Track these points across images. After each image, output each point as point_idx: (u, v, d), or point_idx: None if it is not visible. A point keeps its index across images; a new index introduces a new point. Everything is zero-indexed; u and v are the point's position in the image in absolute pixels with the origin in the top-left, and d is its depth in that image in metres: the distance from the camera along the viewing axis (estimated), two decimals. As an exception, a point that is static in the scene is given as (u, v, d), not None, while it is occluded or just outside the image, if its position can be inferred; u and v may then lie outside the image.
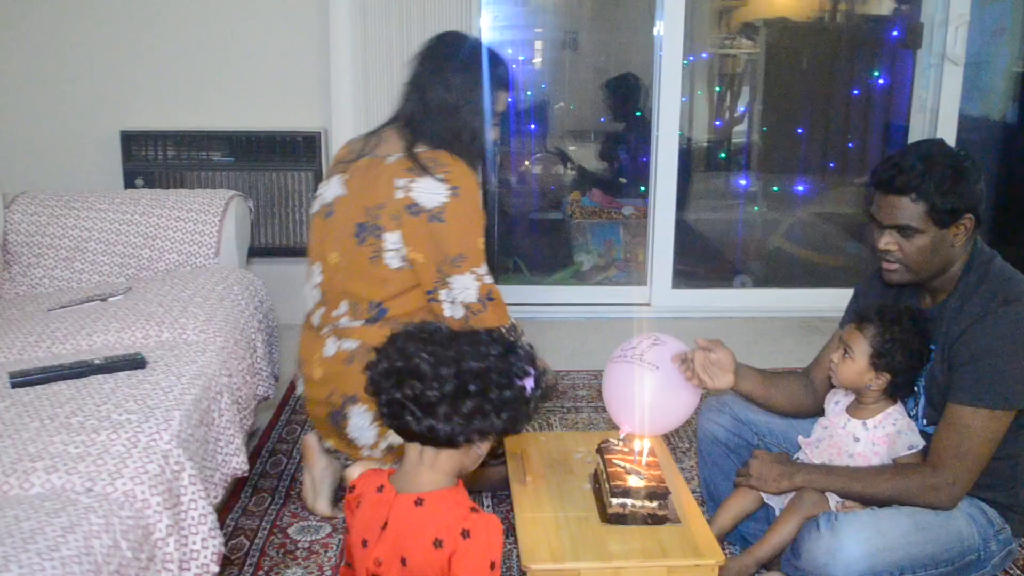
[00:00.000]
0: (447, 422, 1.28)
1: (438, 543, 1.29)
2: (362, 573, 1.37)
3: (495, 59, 2.04)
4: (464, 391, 1.27)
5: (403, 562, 1.31)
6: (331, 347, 2.00)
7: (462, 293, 1.95)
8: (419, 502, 1.32)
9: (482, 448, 1.38)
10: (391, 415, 1.32)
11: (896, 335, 1.73)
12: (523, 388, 1.33)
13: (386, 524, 1.34)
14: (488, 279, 1.98)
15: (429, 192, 1.92)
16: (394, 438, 1.97)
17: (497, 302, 2.00)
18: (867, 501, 1.73)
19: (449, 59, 2.01)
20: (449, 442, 1.31)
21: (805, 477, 1.77)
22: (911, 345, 1.73)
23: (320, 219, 2.06)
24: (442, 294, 1.95)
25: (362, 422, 1.99)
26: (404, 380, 1.28)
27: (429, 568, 1.30)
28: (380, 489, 1.37)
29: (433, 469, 1.35)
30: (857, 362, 1.76)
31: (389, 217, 1.93)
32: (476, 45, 2.06)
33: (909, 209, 1.66)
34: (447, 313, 1.96)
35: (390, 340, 1.35)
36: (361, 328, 1.98)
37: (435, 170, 1.93)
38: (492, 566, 1.30)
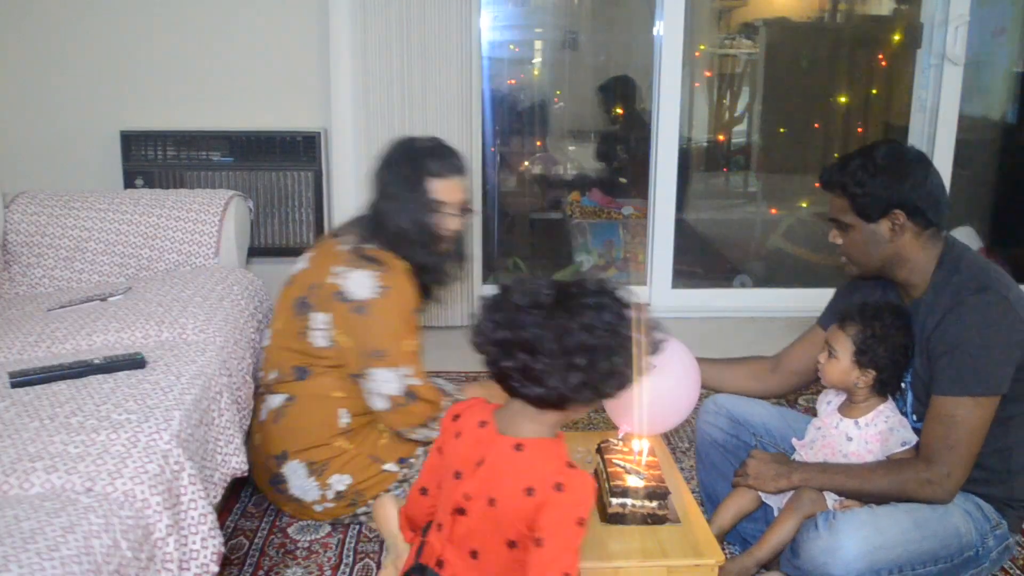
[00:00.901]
0: (554, 391, 1.25)
1: (530, 491, 1.27)
2: (448, 503, 1.36)
3: (441, 152, 2.07)
4: (571, 364, 1.23)
5: (491, 502, 1.30)
6: (263, 410, 2.09)
7: (383, 385, 1.97)
8: (519, 447, 1.30)
9: (590, 406, 1.34)
10: (497, 378, 1.30)
11: (877, 331, 1.75)
12: (631, 354, 1.28)
13: (482, 461, 1.32)
14: (415, 381, 1.99)
15: (358, 284, 1.98)
16: (341, 484, 2.02)
17: (423, 403, 2.00)
18: (864, 498, 1.73)
19: (388, 164, 2.07)
20: (557, 406, 1.29)
21: (802, 476, 1.78)
22: (893, 340, 1.74)
23: (283, 288, 2.15)
24: (361, 383, 2.01)
25: (299, 480, 2.05)
26: (511, 351, 1.25)
27: (516, 514, 1.28)
28: (482, 424, 1.35)
29: (536, 421, 1.32)
30: (841, 361, 1.77)
31: (320, 298, 2.01)
32: (413, 146, 2.08)
33: (837, 203, 1.76)
34: (370, 403, 2.02)
35: (499, 299, 1.30)
36: (288, 383, 2.07)
37: (371, 266, 1.99)
38: (580, 522, 1.27)
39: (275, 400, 2.06)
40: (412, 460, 2.08)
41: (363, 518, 2.11)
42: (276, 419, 2.04)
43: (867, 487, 1.71)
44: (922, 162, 1.73)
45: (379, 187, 2.08)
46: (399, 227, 2.03)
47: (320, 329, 2.01)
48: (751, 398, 2.06)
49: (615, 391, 1.29)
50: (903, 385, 1.80)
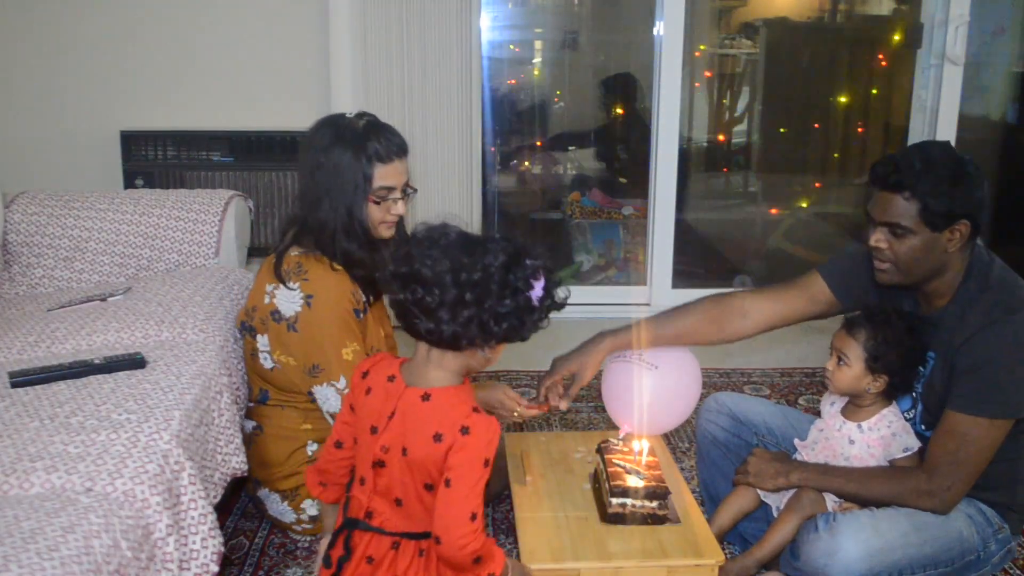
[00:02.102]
0: (447, 326, 1.33)
1: (438, 437, 1.35)
2: (368, 457, 1.43)
3: (380, 131, 1.89)
4: (461, 299, 1.32)
5: (404, 451, 1.38)
6: (244, 430, 2.05)
7: (325, 403, 1.89)
8: (426, 397, 1.38)
9: (489, 353, 1.41)
10: (398, 314, 1.38)
11: (889, 336, 1.73)
12: (526, 298, 1.36)
13: (393, 414, 1.40)
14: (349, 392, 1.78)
15: (286, 300, 1.88)
16: (314, 509, 2.00)
17: None
18: (862, 502, 1.73)
19: (319, 150, 1.87)
20: (451, 345, 1.36)
21: (801, 476, 1.77)
22: (904, 344, 1.73)
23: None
24: (312, 401, 1.94)
25: (275, 504, 2.04)
26: (408, 284, 1.34)
27: (428, 460, 1.36)
28: (391, 379, 1.43)
29: (440, 367, 1.40)
30: (853, 368, 1.75)
31: (259, 320, 1.94)
32: (348, 128, 1.88)
33: (902, 207, 1.63)
34: (328, 420, 1.93)
35: (405, 242, 1.41)
36: (255, 408, 2.04)
37: (291, 278, 1.88)
38: (485, 463, 1.35)
39: (248, 425, 2.05)
40: None
41: None
42: (248, 444, 2.01)
43: (866, 492, 1.71)
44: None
45: (309, 178, 1.88)
46: (336, 222, 1.86)
47: (264, 351, 1.94)
48: (752, 397, 2.06)
49: (502, 333, 1.35)
50: (913, 395, 1.79)
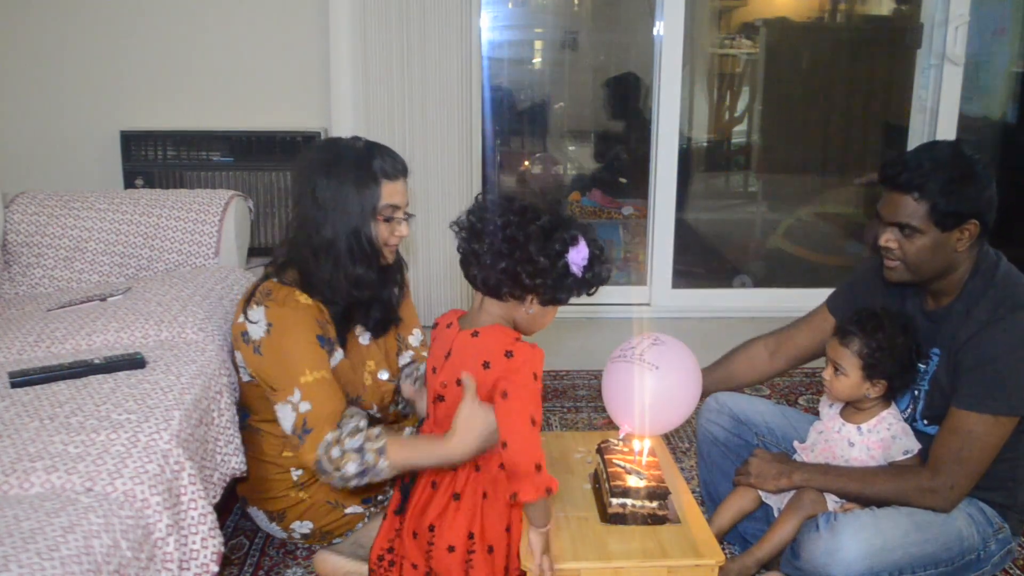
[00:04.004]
0: (488, 272, 1.53)
1: (486, 364, 1.53)
2: (431, 396, 1.64)
3: (382, 150, 1.88)
4: (500, 250, 1.51)
5: (458, 383, 1.57)
6: None
7: (283, 421, 1.81)
8: (475, 334, 1.57)
9: (534, 310, 1.58)
10: (461, 261, 1.58)
11: (882, 341, 1.72)
12: (563, 262, 1.52)
13: (449, 353, 1.59)
14: (305, 406, 1.76)
15: (255, 323, 1.84)
16: (304, 528, 1.99)
17: (313, 436, 1.74)
18: (865, 501, 1.72)
19: (322, 168, 1.84)
20: (494, 292, 1.55)
21: (803, 476, 1.77)
22: (898, 346, 1.73)
23: None
24: (261, 430, 1.96)
25: (264, 522, 2.04)
26: (469, 235, 1.55)
27: (480, 387, 1.55)
28: (449, 326, 1.64)
29: (488, 313, 1.59)
30: (851, 377, 1.75)
31: (235, 338, 1.91)
32: (352, 147, 1.87)
33: (911, 207, 1.65)
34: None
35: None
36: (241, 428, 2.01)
37: (263, 301, 1.83)
38: (535, 376, 1.53)
39: None
40: (381, 497, 2.01)
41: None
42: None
43: (868, 491, 1.71)
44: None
45: (310, 201, 1.84)
46: (341, 244, 1.83)
47: (242, 366, 1.94)
48: (752, 397, 2.06)
49: (534, 287, 1.53)
50: (916, 393, 1.79)
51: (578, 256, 1.55)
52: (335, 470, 1.70)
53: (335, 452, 1.70)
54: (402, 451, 1.67)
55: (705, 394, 2.04)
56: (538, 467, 1.50)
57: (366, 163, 1.84)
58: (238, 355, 1.93)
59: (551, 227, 1.53)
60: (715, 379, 2.07)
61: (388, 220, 1.88)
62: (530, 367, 1.53)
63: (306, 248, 1.85)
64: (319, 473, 1.74)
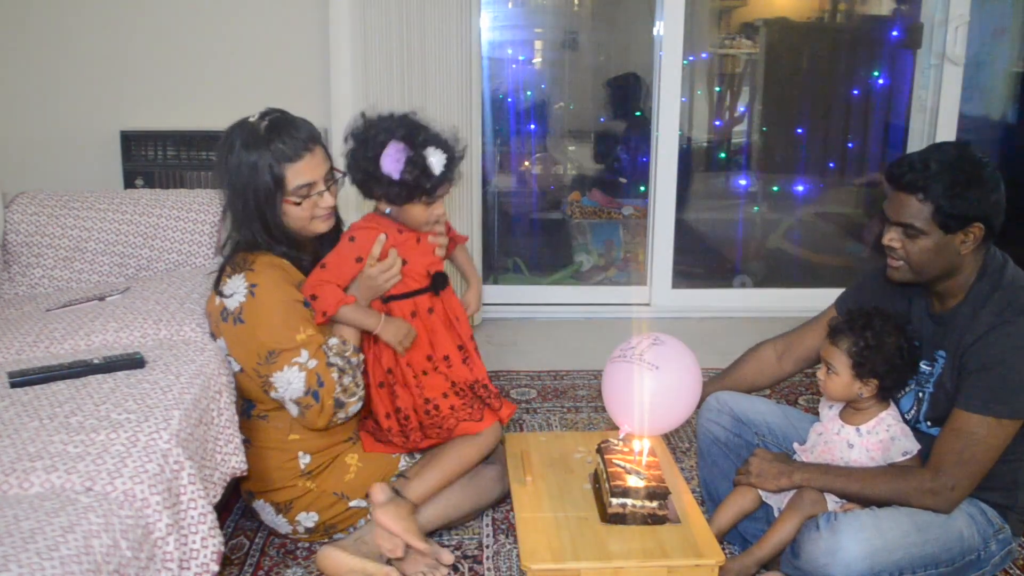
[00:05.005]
0: (351, 172, 1.91)
1: (351, 239, 1.92)
2: None
3: (284, 127, 1.84)
4: (348, 164, 1.90)
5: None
6: None
7: (287, 389, 1.83)
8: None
9: (397, 211, 1.91)
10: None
11: (870, 340, 1.73)
12: (377, 168, 1.82)
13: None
14: (313, 363, 1.82)
15: (232, 294, 1.85)
16: (309, 521, 1.99)
17: (327, 387, 1.83)
18: (865, 501, 1.72)
19: (220, 156, 1.86)
20: (365, 196, 1.94)
21: (804, 476, 1.77)
22: (888, 345, 1.73)
23: None
24: (273, 395, 1.88)
25: (269, 516, 2.03)
26: (348, 154, 1.91)
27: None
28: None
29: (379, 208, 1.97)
30: (841, 376, 1.76)
31: (215, 322, 1.92)
32: (252, 132, 1.84)
33: (915, 208, 1.65)
34: (292, 414, 1.90)
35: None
36: (241, 421, 1.98)
37: (237, 269, 1.85)
38: (351, 240, 1.90)
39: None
40: None
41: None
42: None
43: (868, 491, 1.70)
44: (996, 171, 1.67)
45: (226, 188, 1.86)
46: (256, 229, 1.85)
47: (229, 356, 1.93)
48: (753, 396, 2.06)
49: (365, 188, 1.90)
50: (921, 395, 1.79)
51: (389, 161, 1.80)
52: (350, 397, 1.87)
53: (347, 379, 1.87)
54: (349, 334, 1.90)
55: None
56: (312, 297, 1.86)
57: (264, 147, 1.81)
58: (221, 343, 1.92)
59: (365, 137, 1.84)
60: (724, 386, 2.07)
61: (303, 200, 1.85)
62: (349, 233, 1.91)
63: (244, 225, 1.89)
64: (337, 412, 1.87)
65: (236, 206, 1.88)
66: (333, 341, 1.88)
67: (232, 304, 1.85)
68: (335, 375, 1.85)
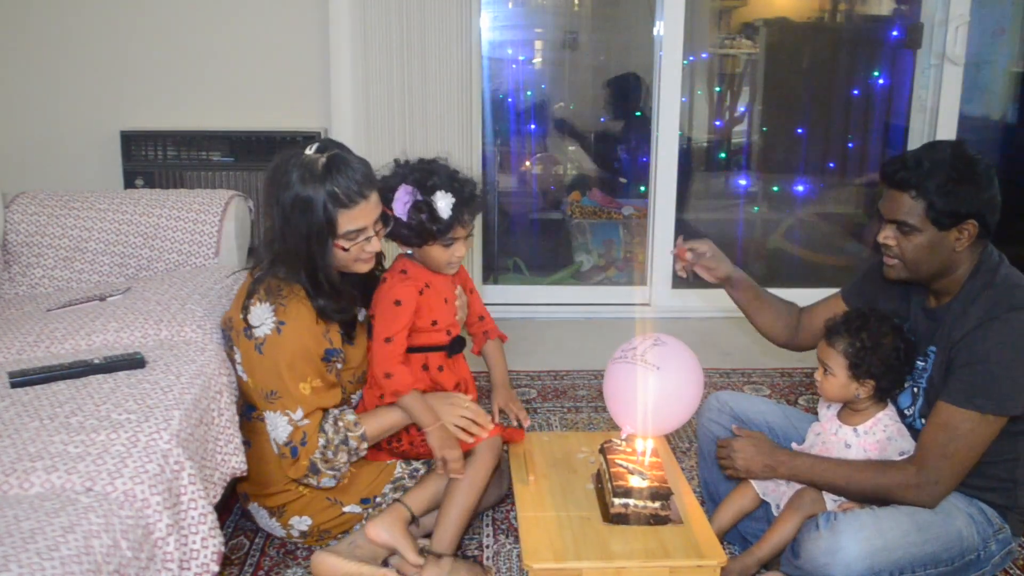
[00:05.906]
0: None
1: (397, 302, 1.95)
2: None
3: (339, 167, 1.76)
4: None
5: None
6: None
7: (274, 430, 1.84)
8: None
9: (420, 253, 1.94)
10: None
11: (866, 341, 1.73)
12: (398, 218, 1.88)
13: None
14: (305, 422, 1.81)
15: (259, 320, 1.81)
16: (302, 525, 1.99)
17: (308, 448, 1.82)
18: (850, 495, 1.72)
19: (280, 189, 1.77)
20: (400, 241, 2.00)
21: (789, 471, 1.77)
22: (884, 345, 1.73)
23: None
24: (265, 424, 1.88)
25: (263, 519, 2.03)
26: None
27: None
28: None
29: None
30: (838, 377, 1.76)
31: (236, 333, 1.89)
32: (307, 169, 1.76)
33: (908, 205, 1.66)
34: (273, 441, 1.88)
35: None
36: (242, 423, 1.97)
37: (269, 299, 1.81)
38: (396, 303, 1.91)
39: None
40: (379, 499, 2.00)
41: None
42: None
43: (853, 485, 1.70)
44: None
45: (276, 215, 1.79)
46: (299, 265, 1.80)
47: (238, 363, 1.92)
48: (753, 396, 2.06)
49: (393, 228, 1.89)
50: (916, 391, 1.79)
51: (397, 204, 1.86)
52: (329, 469, 1.86)
53: (330, 453, 1.84)
54: (372, 425, 1.90)
55: (730, 286, 2.13)
56: (387, 375, 1.88)
57: (321, 186, 1.74)
58: (237, 351, 1.91)
59: (389, 185, 1.87)
60: (755, 294, 2.11)
61: (351, 245, 1.82)
62: (393, 294, 1.90)
63: (284, 256, 1.82)
64: (309, 475, 1.85)
65: (286, 240, 1.80)
66: (349, 417, 1.88)
67: (258, 329, 1.82)
68: (321, 441, 1.83)
